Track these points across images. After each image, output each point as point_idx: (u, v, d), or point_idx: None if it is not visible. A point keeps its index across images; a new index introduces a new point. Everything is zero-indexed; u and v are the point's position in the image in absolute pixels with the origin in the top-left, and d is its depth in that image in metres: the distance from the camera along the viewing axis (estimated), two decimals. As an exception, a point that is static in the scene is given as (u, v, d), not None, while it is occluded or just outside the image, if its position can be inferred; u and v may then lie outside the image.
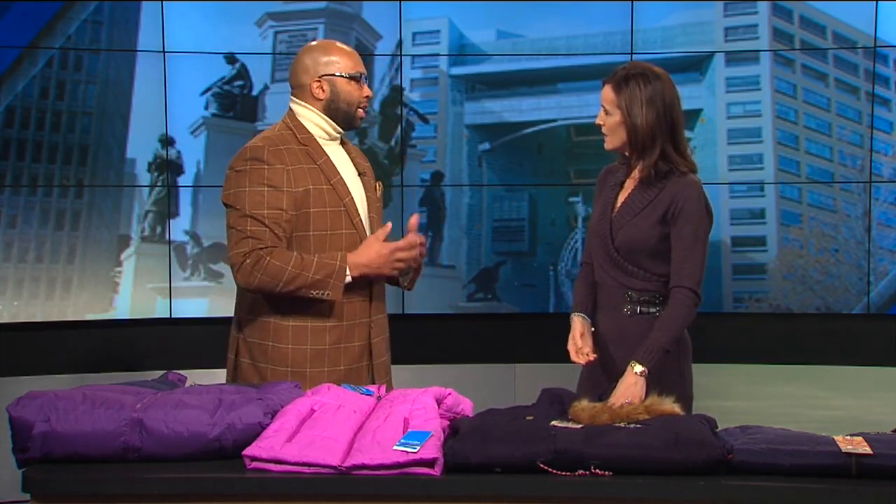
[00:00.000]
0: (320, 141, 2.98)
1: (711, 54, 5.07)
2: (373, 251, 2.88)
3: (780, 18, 5.04)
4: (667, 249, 2.90)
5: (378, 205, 3.09)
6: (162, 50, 4.82)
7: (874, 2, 4.89)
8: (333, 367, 2.94)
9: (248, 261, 2.83)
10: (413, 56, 5.07)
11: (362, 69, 3.01)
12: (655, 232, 2.90)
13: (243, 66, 4.99)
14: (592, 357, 2.91)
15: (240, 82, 4.99)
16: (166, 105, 4.84)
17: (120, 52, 4.82)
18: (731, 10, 5.07)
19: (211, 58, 4.92)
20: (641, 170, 2.93)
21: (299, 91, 3.00)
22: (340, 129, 3.02)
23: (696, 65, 5.09)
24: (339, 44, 3.04)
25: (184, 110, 4.90)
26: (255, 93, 4.99)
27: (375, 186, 3.11)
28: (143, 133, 4.86)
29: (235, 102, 4.99)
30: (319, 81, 2.96)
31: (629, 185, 2.99)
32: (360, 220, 2.97)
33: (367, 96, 3.00)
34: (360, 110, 3.00)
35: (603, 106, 2.94)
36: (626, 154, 2.97)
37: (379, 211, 3.09)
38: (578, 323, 3.00)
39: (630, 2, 5.01)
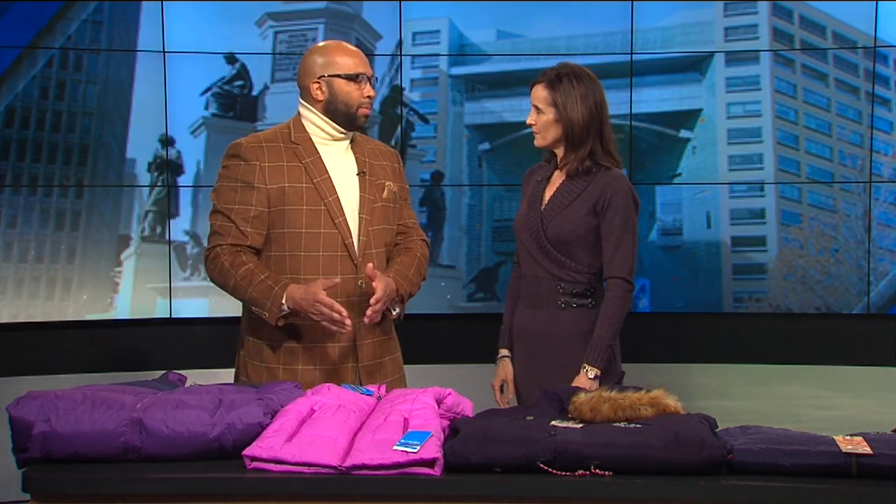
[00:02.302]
0: (316, 140, 2.98)
1: (711, 54, 5.07)
2: (308, 292, 2.77)
3: (780, 18, 5.03)
4: (597, 240, 3.02)
5: (377, 205, 3.00)
6: (162, 50, 4.82)
7: (874, 2, 4.89)
8: (308, 365, 2.93)
9: (210, 255, 2.90)
10: (413, 56, 5.06)
11: (363, 69, 2.97)
12: (586, 223, 3.01)
13: (243, 66, 4.99)
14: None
15: (240, 82, 4.99)
16: (166, 105, 4.84)
17: (120, 52, 4.82)
18: (731, 10, 5.07)
19: (211, 58, 4.92)
20: (571, 163, 3.04)
21: (304, 92, 3.01)
22: (343, 130, 3.00)
23: (696, 65, 5.09)
24: (343, 44, 3.03)
25: (184, 110, 4.90)
26: (255, 93, 4.99)
27: (384, 186, 3.03)
28: (143, 133, 4.86)
29: (235, 102, 4.99)
30: (318, 82, 2.96)
31: (556, 179, 3.10)
32: (344, 220, 2.93)
33: (368, 96, 2.96)
34: (362, 109, 2.97)
35: (535, 105, 3.05)
36: (554, 151, 3.08)
37: (373, 212, 2.99)
38: (509, 369, 3.17)
39: (630, 2, 5.01)
